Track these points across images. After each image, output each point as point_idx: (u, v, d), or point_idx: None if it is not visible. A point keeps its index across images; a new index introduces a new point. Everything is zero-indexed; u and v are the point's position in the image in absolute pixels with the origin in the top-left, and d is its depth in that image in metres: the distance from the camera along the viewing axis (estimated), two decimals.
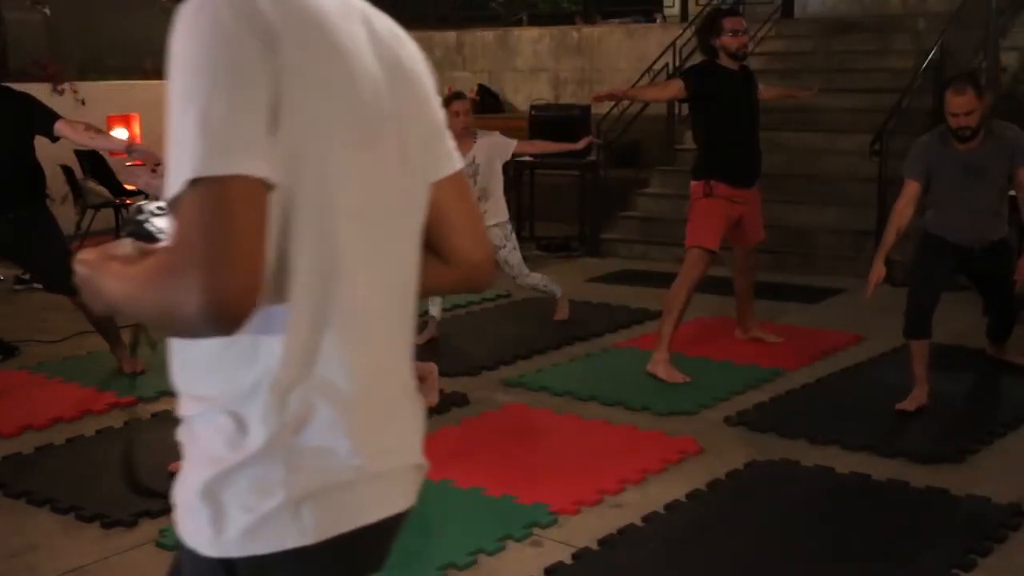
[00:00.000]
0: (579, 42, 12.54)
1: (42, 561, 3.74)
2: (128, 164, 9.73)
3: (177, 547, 1.46)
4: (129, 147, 5.81)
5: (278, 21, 1.31)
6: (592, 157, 9.55)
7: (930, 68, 8.73)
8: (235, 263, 1.22)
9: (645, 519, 3.97)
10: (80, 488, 4.31)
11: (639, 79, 10.08)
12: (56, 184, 10.08)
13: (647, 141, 10.29)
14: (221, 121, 1.23)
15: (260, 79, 1.27)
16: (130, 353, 5.35)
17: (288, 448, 1.38)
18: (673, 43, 10.28)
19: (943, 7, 10.03)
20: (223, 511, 1.38)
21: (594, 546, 3.76)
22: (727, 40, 5.71)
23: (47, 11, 10.74)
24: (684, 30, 10.15)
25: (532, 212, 10.13)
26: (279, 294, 1.34)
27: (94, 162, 9.67)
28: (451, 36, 13.59)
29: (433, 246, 1.59)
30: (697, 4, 11.60)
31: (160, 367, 5.20)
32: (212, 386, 1.40)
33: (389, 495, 1.50)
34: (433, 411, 5.18)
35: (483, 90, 12.94)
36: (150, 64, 11.82)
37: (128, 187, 9.78)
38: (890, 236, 5.05)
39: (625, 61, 11.99)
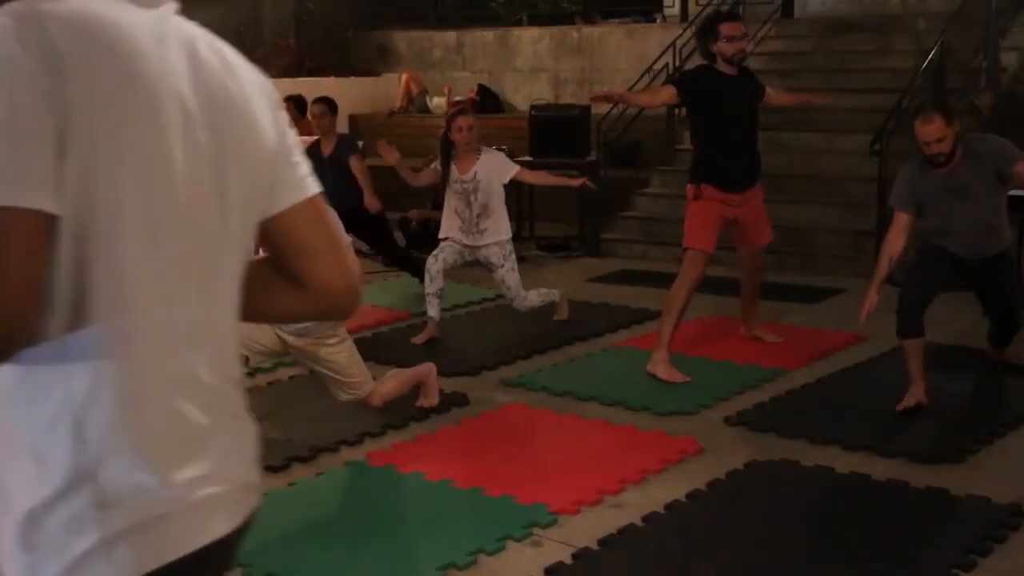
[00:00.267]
0: (579, 42, 12.54)
1: None
2: None
3: None
4: None
5: (71, 53, 1.29)
6: (592, 157, 9.55)
7: (930, 68, 8.73)
8: (3, 291, 1.23)
9: (645, 519, 3.97)
10: None
11: (639, 79, 10.08)
12: None
13: (647, 141, 10.28)
14: None
15: (43, 112, 1.27)
16: None
17: (95, 485, 1.35)
18: (673, 43, 10.27)
19: (943, 7, 10.02)
20: (39, 557, 1.35)
21: (594, 546, 3.77)
22: (723, 46, 5.71)
23: None
24: (684, 30, 10.14)
25: (532, 212, 10.14)
26: (74, 325, 1.33)
27: None
28: (451, 36, 13.59)
29: (289, 273, 1.57)
30: (697, 4, 11.59)
31: None
32: (11, 423, 1.37)
33: (209, 522, 1.46)
34: (433, 411, 5.19)
35: (483, 90, 12.93)
36: None
37: None
38: (883, 266, 5.05)
39: (625, 61, 11.99)
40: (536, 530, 3.88)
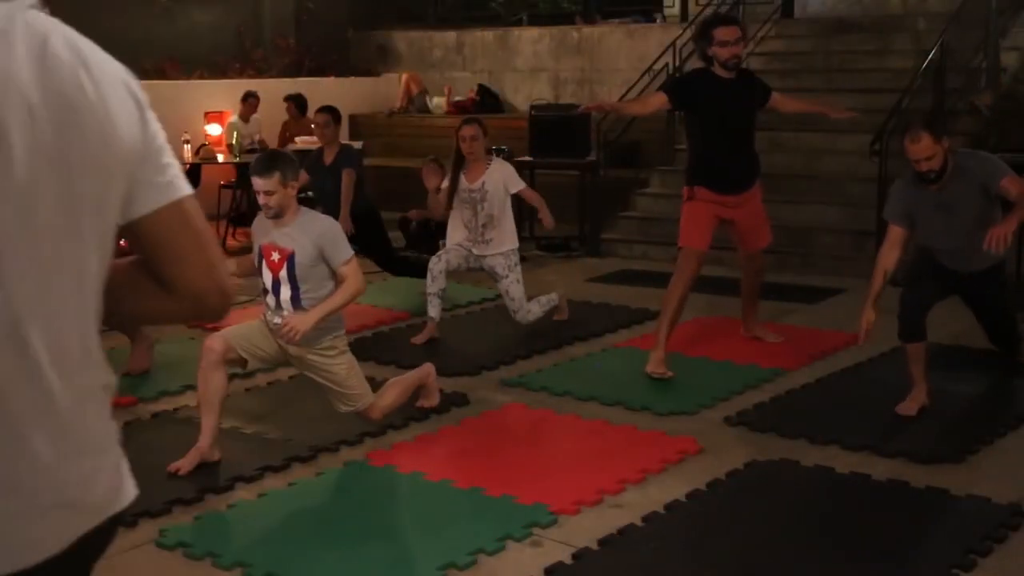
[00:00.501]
0: (579, 42, 12.54)
1: None
2: None
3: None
4: None
5: None
6: (592, 157, 9.56)
7: (930, 68, 8.73)
8: None
9: (645, 519, 3.97)
10: None
11: (639, 79, 10.08)
12: None
13: (647, 141, 10.28)
14: None
15: None
16: None
17: None
18: (673, 43, 10.27)
19: (943, 7, 10.03)
20: None
21: (594, 546, 3.76)
22: (717, 50, 5.69)
23: (47, 11, 10.73)
24: (684, 30, 10.13)
25: (532, 212, 10.11)
26: None
27: None
28: (451, 36, 13.59)
29: (155, 276, 1.53)
30: (697, 4, 11.59)
31: (161, 368, 5.21)
32: None
33: (10, 547, 1.38)
34: (433, 411, 5.19)
35: (483, 90, 12.93)
36: (150, 64, 11.84)
37: None
38: (877, 281, 5.03)
39: (625, 61, 11.98)
40: (536, 530, 3.88)
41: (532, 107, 10.38)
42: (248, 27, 13.18)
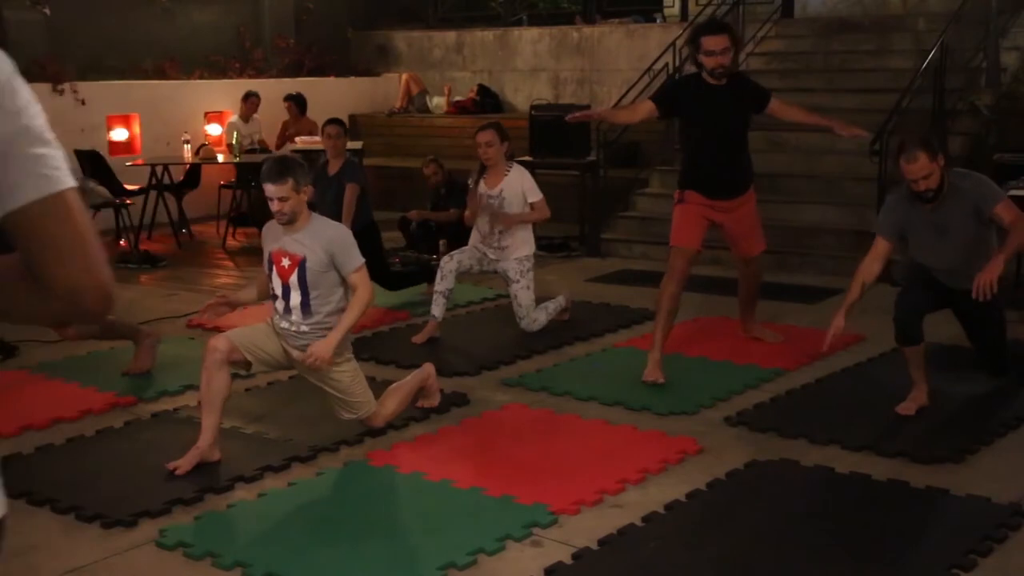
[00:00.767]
0: (579, 42, 12.54)
1: (42, 561, 3.74)
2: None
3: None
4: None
5: None
6: (592, 157, 9.55)
7: (930, 68, 8.73)
8: None
9: (645, 519, 3.97)
10: (80, 488, 4.31)
11: (639, 79, 10.08)
12: None
13: (647, 141, 10.28)
14: None
15: None
16: None
17: None
18: (673, 43, 10.27)
19: (943, 7, 10.03)
20: None
21: (594, 546, 3.76)
22: (703, 59, 5.66)
23: (47, 11, 10.74)
24: (684, 30, 10.12)
25: None
26: None
27: (94, 162, 9.67)
28: (451, 36, 13.59)
29: (32, 272, 1.46)
30: (697, 4, 11.60)
31: (161, 368, 5.22)
32: None
33: None
34: (433, 411, 5.19)
35: (483, 90, 12.94)
36: (150, 64, 11.84)
37: (128, 187, 9.80)
38: (855, 291, 5.02)
39: (625, 61, 11.99)
40: (536, 530, 3.88)
41: (532, 107, 10.38)
42: (248, 27, 13.17)
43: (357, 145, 10.60)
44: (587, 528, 3.90)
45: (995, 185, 5.11)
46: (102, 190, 9.52)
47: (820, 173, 9.16)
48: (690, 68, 7.57)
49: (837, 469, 4.44)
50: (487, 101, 12.82)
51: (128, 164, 10.38)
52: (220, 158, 10.56)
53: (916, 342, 5.04)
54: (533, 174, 7.86)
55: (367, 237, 7.38)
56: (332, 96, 12.86)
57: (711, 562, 3.69)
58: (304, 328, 4.62)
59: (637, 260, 9.11)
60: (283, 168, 4.51)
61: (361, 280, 4.58)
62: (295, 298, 4.59)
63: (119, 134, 11.33)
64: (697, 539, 3.88)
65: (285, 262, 4.59)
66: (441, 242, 8.89)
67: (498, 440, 4.89)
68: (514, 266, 6.54)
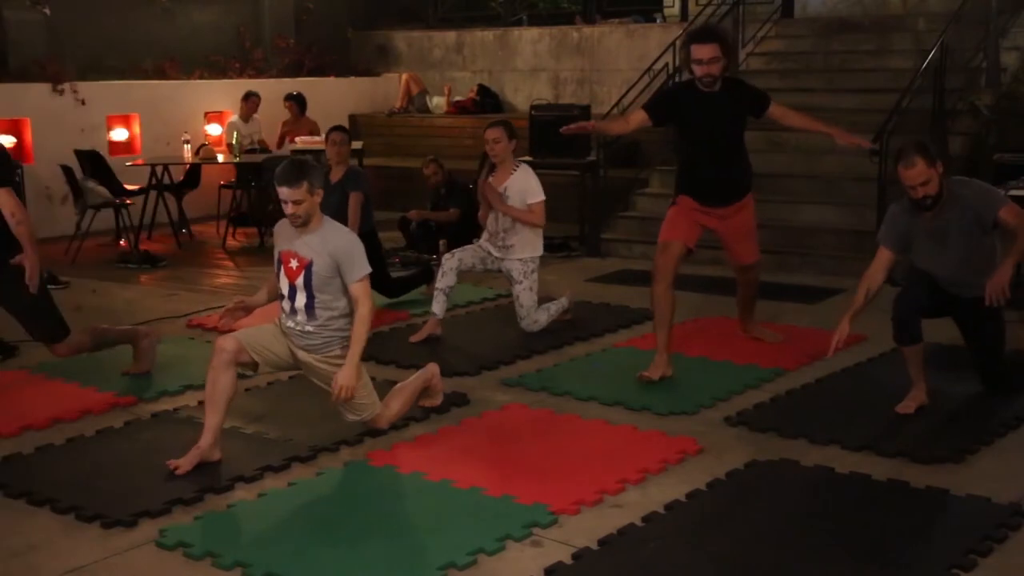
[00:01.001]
0: (579, 42, 12.54)
1: (42, 561, 3.74)
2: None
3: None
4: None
5: None
6: (592, 157, 9.55)
7: (930, 68, 8.73)
8: None
9: (645, 519, 3.97)
10: (80, 488, 4.30)
11: (639, 79, 10.08)
12: (56, 184, 10.12)
13: (647, 141, 10.28)
14: None
15: None
16: None
17: None
18: (673, 43, 10.25)
19: (943, 7, 10.04)
20: None
21: (594, 546, 3.76)
22: (693, 67, 5.65)
23: (47, 11, 10.75)
24: (684, 30, 10.13)
25: None
26: None
27: (94, 162, 9.67)
28: (451, 36, 13.60)
29: None
30: (697, 4, 11.60)
31: (161, 368, 5.21)
32: None
33: None
34: (433, 411, 5.19)
35: (483, 90, 12.94)
36: (150, 64, 11.85)
37: (128, 187, 9.80)
38: (859, 299, 5.02)
39: (625, 61, 12.00)
40: (536, 530, 3.88)
41: (532, 107, 10.38)
42: (248, 27, 13.18)
43: (357, 145, 10.59)
44: (587, 528, 3.90)
45: (995, 190, 5.09)
46: (102, 190, 9.53)
47: (820, 173, 9.16)
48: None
49: (837, 469, 4.44)
50: (487, 101, 12.82)
51: (128, 164, 10.38)
52: (220, 158, 10.57)
53: (915, 341, 5.04)
54: None
55: (367, 244, 7.37)
56: (332, 96, 12.87)
57: (711, 562, 3.69)
58: (309, 329, 4.63)
59: (637, 260, 9.11)
60: (298, 171, 4.51)
61: (362, 292, 4.59)
62: (300, 299, 4.59)
63: (119, 134, 11.33)
64: (697, 539, 3.88)
65: (293, 263, 4.60)
66: (441, 242, 8.89)
67: (498, 440, 4.89)
68: (518, 267, 6.54)
